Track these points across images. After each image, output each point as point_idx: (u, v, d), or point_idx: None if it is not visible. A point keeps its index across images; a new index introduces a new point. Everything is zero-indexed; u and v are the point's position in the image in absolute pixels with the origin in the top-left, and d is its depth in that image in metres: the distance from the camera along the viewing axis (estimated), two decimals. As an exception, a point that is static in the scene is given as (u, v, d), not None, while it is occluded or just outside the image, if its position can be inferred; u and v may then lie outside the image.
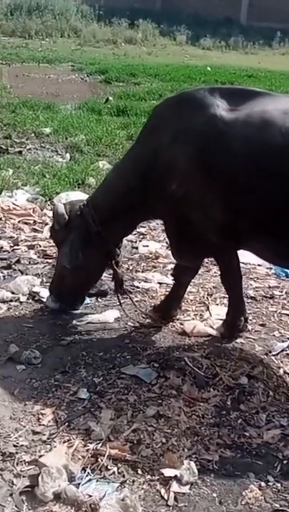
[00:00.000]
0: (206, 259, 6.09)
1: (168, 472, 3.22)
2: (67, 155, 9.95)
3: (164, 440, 3.46)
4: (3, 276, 5.41)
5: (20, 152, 9.95)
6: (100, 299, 5.13)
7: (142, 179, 4.26)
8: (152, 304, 4.97)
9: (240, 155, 3.92)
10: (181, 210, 4.19)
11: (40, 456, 3.26)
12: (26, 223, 7.05)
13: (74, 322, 4.71)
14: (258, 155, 3.89)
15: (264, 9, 32.03)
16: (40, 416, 3.61)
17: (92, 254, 4.51)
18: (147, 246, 6.69)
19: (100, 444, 3.37)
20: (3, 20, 27.23)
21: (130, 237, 7.01)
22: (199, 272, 5.83)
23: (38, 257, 6.02)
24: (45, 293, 5.05)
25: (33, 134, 10.86)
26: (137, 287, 5.41)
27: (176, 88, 16.40)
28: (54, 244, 4.87)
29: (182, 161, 4.04)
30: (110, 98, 14.18)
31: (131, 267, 5.94)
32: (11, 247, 6.21)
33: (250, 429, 3.60)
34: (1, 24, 26.69)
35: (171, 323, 4.79)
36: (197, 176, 4.02)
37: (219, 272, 4.70)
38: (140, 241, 6.93)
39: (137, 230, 7.20)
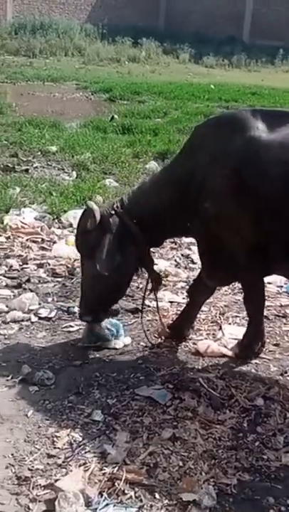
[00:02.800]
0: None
1: (186, 497, 3.15)
2: (74, 173, 9.96)
3: (180, 463, 3.40)
4: (14, 295, 5.37)
5: (27, 170, 9.96)
6: (111, 319, 5.07)
7: (175, 197, 4.25)
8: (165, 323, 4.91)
9: (274, 178, 3.93)
10: (212, 229, 4.19)
11: (56, 480, 3.20)
12: (34, 241, 7.03)
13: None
14: None
15: (266, 27, 32.23)
16: (55, 439, 3.55)
17: (127, 258, 4.40)
18: (156, 264, 6.64)
19: (117, 468, 3.31)
20: (8, 39, 27.41)
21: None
22: (210, 291, 5.84)
23: (48, 275, 5.99)
24: (47, 312, 5.08)
25: (39, 153, 10.88)
26: (148, 306, 5.36)
27: (180, 106, 16.48)
28: (79, 250, 4.60)
29: (218, 181, 4.05)
30: (115, 116, 14.22)
31: (141, 286, 5.89)
32: (20, 265, 6.18)
33: (268, 452, 3.54)
34: (5, 43, 26.84)
35: (184, 342, 4.74)
36: (231, 196, 4.02)
37: (243, 294, 4.66)
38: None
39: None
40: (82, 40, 28.68)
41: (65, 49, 27.56)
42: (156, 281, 4.68)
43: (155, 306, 5.26)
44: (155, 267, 6.20)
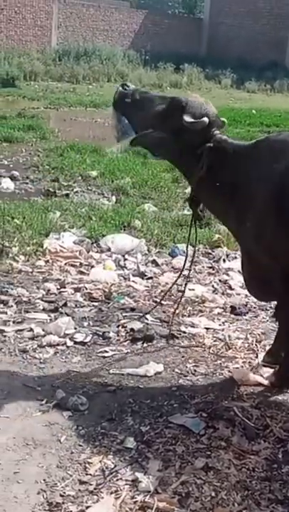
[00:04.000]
0: (252, 304, 6.06)
1: (218, 528, 3.11)
2: (113, 198, 10.03)
3: (213, 494, 3.35)
4: (50, 320, 5.39)
5: (67, 195, 10.07)
6: (145, 344, 5.07)
7: (223, 202, 4.31)
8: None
9: None
10: (251, 248, 4.22)
11: (88, 507, 3.18)
12: (73, 265, 7.08)
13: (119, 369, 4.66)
14: None
15: (309, 53, 32.21)
16: (87, 465, 3.53)
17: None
18: (193, 289, 6.63)
19: (148, 496, 3.28)
20: (52, 65, 27.90)
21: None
22: (247, 318, 5.80)
23: (84, 299, 6.00)
24: (82, 337, 5.09)
25: (80, 177, 11.00)
26: (184, 332, 5.34)
27: (221, 131, 16.44)
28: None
29: (259, 202, 4.04)
30: (156, 141, 14.26)
31: (177, 311, 5.88)
32: (57, 289, 6.22)
33: None
34: (49, 69, 27.31)
35: (219, 370, 4.70)
36: (270, 218, 4.00)
37: (279, 321, 4.62)
38: (186, 284, 6.87)
39: (183, 273, 7.20)
40: (124, 67, 29.07)
41: (108, 75, 27.95)
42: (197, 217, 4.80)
43: (191, 332, 5.27)
44: (192, 292, 6.30)
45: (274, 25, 33.73)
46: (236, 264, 7.26)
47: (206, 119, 4.24)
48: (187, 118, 4.24)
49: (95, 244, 7.75)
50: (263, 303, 5.91)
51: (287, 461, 3.67)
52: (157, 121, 4.41)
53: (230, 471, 3.53)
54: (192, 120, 4.24)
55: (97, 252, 7.61)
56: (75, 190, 10.47)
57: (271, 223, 4.01)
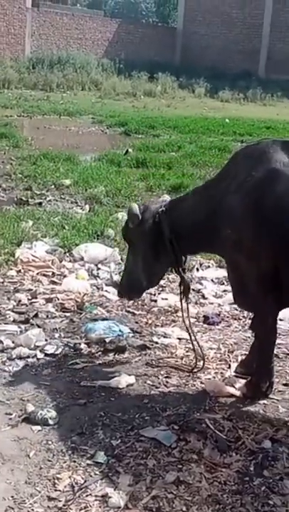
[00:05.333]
0: (225, 313, 6.04)
1: None
2: (87, 206, 9.98)
3: (184, 508, 3.29)
4: (21, 331, 5.32)
5: (40, 203, 10.00)
6: (117, 355, 5.01)
7: (207, 217, 4.39)
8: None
9: None
10: (232, 254, 4.30)
11: (55, 525, 3.12)
12: (45, 275, 7.01)
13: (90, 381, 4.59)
14: None
15: (282, 62, 32.50)
16: (56, 481, 3.45)
17: (162, 257, 4.70)
18: (166, 299, 6.59)
19: (118, 512, 3.22)
20: (26, 73, 27.83)
21: (150, 289, 6.96)
22: (220, 327, 5.76)
23: (56, 310, 5.94)
24: (53, 348, 5.03)
25: (53, 186, 10.94)
26: (156, 343, 5.30)
27: (194, 140, 16.56)
28: (125, 240, 5.19)
29: (239, 209, 4.12)
30: (130, 150, 14.30)
31: (150, 321, 5.84)
32: (28, 299, 6.15)
33: (274, 497, 3.41)
34: (23, 77, 27.24)
35: (191, 381, 4.66)
36: (250, 225, 4.08)
37: (253, 326, 4.60)
38: (159, 293, 6.84)
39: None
40: (98, 75, 29.09)
41: (82, 83, 27.96)
42: (185, 287, 4.87)
43: (163, 343, 5.23)
44: (165, 302, 6.27)
45: (247, 35, 33.99)
46: (209, 273, 7.25)
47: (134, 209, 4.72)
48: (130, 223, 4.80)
49: (67, 254, 7.70)
50: (237, 312, 5.90)
51: (259, 473, 3.62)
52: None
53: (201, 485, 3.47)
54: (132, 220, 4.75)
55: (69, 261, 7.55)
56: (48, 198, 10.41)
57: (249, 227, 4.08)
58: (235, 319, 5.95)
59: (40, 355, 4.91)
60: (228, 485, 3.50)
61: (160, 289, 6.98)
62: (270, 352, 4.50)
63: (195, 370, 4.80)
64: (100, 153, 14.06)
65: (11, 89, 25.99)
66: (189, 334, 4.85)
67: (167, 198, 10.23)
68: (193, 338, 4.84)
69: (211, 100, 28.62)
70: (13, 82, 26.45)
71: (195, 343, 4.82)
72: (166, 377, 4.71)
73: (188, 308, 4.95)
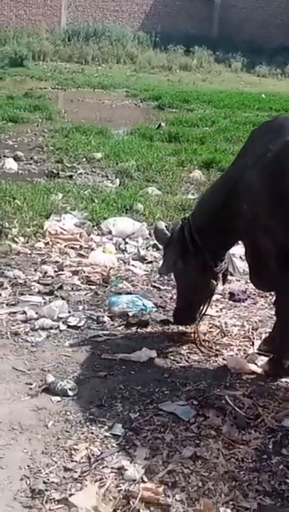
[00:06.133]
0: (252, 290, 5.97)
1: (203, 519, 3.04)
2: (117, 180, 9.93)
3: (200, 484, 3.29)
4: (44, 303, 5.33)
5: (70, 176, 9.99)
6: (139, 329, 4.99)
7: (226, 198, 4.35)
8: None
9: None
10: (250, 232, 4.23)
11: (71, 495, 3.12)
12: (72, 248, 7.01)
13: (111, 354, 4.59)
14: None
15: None
16: (73, 451, 3.47)
17: (191, 266, 4.61)
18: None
19: (133, 485, 3.22)
20: (61, 45, 27.65)
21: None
22: (245, 305, 5.71)
23: (82, 283, 5.94)
24: (76, 320, 5.02)
25: (84, 159, 10.90)
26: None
27: (229, 115, 16.34)
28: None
29: (256, 183, 4.08)
30: (162, 124, 14.17)
31: (174, 296, 5.79)
32: (55, 272, 6.16)
33: None
34: (58, 49, 27.08)
35: (213, 357, 4.63)
36: (266, 199, 4.03)
37: (275, 305, 4.54)
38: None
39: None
40: (134, 48, 28.78)
41: (117, 56, 27.69)
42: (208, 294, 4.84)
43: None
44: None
45: (286, 9, 33.25)
46: (237, 250, 7.17)
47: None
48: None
49: (96, 227, 7.68)
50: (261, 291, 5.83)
51: (277, 451, 3.59)
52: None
53: (218, 461, 3.46)
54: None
55: (97, 234, 7.54)
56: (78, 171, 10.38)
57: (266, 201, 4.02)
58: (262, 297, 5.88)
59: (62, 327, 4.93)
60: (246, 462, 3.48)
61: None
62: None
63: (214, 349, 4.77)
64: (132, 127, 13.95)
65: (46, 61, 25.87)
66: None
67: (198, 173, 10.33)
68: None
69: (248, 75, 28.17)
70: (49, 55, 26.31)
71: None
72: (188, 352, 4.70)
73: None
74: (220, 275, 4.79)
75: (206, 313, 5.33)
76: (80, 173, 10.31)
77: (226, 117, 16.01)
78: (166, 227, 4.83)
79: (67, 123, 13.93)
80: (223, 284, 5.02)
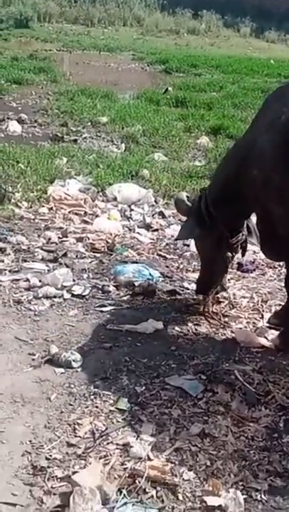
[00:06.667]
0: (260, 261, 5.81)
1: (211, 501, 2.90)
2: (123, 145, 9.74)
3: (208, 463, 3.15)
4: (48, 270, 5.17)
5: (75, 141, 9.80)
6: (146, 299, 4.84)
7: (238, 166, 4.22)
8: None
9: None
10: (261, 199, 4.08)
11: (74, 473, 2.99)
12: (77, 214, 6.86)
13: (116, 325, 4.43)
14: None
15: None
16: (77, 426, 3.33)
17: (207, 235, 4.52)
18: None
19: (139, 463, 3.08)
20: (67, 7, 27.26)
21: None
22: (254, 275, 5.56)
23: (86, 250, 5.79)
24: (81, 289, 4.86)
25: (89, 123, 10.71)
26: (187, 288, 5.11)
27: (237, 80, 16.07)
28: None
29: (269, 148, 3.94)
30: (169, 89, 13.93)
31: (181, 266, 5.66)
32: (59, 238, 6.01)
33: None
34: (64, 11, 26.69)
35: (221, 330, 4.49)
36: (279, 163, 3.87)
37: (285, 275, 4.38)
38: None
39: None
40: (141, 11, 28.35)
41: (124, 19, 27.29)
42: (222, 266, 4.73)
43: (194, 289, 5.04)
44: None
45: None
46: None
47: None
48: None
49: (100, 193, 7.52)
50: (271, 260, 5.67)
51: (288, 430, 3.45)
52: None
53: (227, 439, 3.32)
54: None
55: (102, 201, 7.38)
56: (83, 136, 10.19)
57: (277, 166, 3.88)
58: (270, 267, 5.73)
59: (67, 296, 4.78)
60: (256, 440, 3.35)
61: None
62: None
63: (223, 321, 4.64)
64: (138, 91, 13.69)
65: (51, 22, 25.49)
66: None
67: (206, 140, 10.12)
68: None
69: (257, 40, 27.75)
70: (54, 16, 25.92)
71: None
72: (195, 324, 4.55)
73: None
74: (238, 247, 4.63)
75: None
76: (85, 138, 10.13)
77: (234, 83, 15.75)
78: (187, 197, 4.70)
79: (73, 86, 13.68)
80: (243, 255, 4.86)
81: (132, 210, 7.23)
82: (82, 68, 16.89)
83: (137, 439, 3.26)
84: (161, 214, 7.21)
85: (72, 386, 3.68)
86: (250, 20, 29.10)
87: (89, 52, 19.86)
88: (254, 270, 5.69)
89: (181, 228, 4.87)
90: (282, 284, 5.14)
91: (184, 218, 4.91)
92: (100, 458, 3.12)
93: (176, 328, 4.46)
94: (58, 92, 12.86)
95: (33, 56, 16.77)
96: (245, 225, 4.61)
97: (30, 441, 3.22)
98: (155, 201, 7.57)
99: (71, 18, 26.47)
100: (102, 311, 4.59)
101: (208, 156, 9.59)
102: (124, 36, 24.03)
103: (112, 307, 4.66)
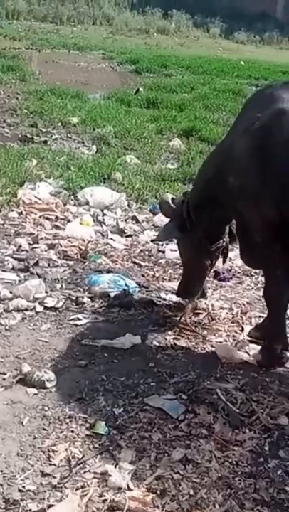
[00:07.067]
0: (237, 268, 5.66)
1: (196, 534, 2.73)
2: (94, 147, 9.55)
3: (192, 492, 2.97)
4: (19, 281, 4.95)
5: (45, 142, 9.58)
6: (122, 312, 4.65)
7: (216, 171, 4.16)
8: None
9: None
10: (238, 205, 3.99)
11: (49, 507, 2.78)
12: (48, 219, 6.65)
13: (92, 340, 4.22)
14: None
15: (301, 4, 31.41)
16: (51, 453, 3.12)
17: (188, 239, 4.48)
18: (175, 250, 6.22)
19: (119, 494, 2.88)
20: (36, 4, 26.97)
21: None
22: (231, 284, 5.40)
23: (59, 257, 5.59)
24: (54, 301, 4.65)
25: (59, 124, 10.48)
26: (164, 299, 4.93)
27: (208, 81, 15.97)
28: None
29: (243, 153, 3.88)
30: (141, 89, 13.76)
31: (157, 274, 5.48)
32: (30, 245, 5.80)
33: None
34: (33, 9, 26.39)
35: (201, 344, 4.31)
36: (254, 167, 3.79)
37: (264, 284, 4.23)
38: (167, 244, 6.46)
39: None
40: (111, 9, 28.19)
41: (93, 17, 27.09)
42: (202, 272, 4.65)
43: (172, 299, 4.88)
44: (174, 254, 5.90)
45: (267, -26, 32.73)
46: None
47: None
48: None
49: (72, 197, 7.32)
50: (247, 268, 5.50)
51: (274, 454, 3.27)
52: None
53: (211, 465, 3.14)
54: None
55: (74, 205, 7.19)
56: (53, 137, 9.97)
57: (253, 171, 3.81)
58: (248, 275, 5.59)
59: (39, 308, 4.56)
60: (241, 466, 3.17)
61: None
62: (281, 310, 4.14)
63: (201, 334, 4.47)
64: (109, 91, 13.49)
65: (20, 20, 25.11)
66: None
67: (178, 142, 9.96)
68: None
69: (226, 41, 27.70)
70: (23, 13, 25.57)
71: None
72: (174, 338, 4.37)
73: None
74: (218, 254, 4.51)
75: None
76: (55, 139, 9.92)
77: (204, 84, 15.63)
78: (172, 199, 4.58)
79: (42, 85, 13.43)
80: (223, 262, 4.77)
81: (104, 214, 7.04)
82: (52, 67, 16.60)
83: (115, 467, 3.05)
84: (135, 219, 7.03)
85: (46, 408, 3.46)
86: (220, 21, 29.07)
87: (58, 50, 19.57)
88: (231, 278, 5.53)
89: (162, 230, 4.81)
90: (261, 294, 5.00)
91: (167, 220, 4.79)
92: (77, 489, 2.91)
93: (154, 342, 4.27)
94: (27, 92, 12.59)
95: (1, 54, 16.44)
96: (228, 231, 4.47)
97: (1, 471, 3.00)
98: (128, 205, 7.39)
99: (40, 15, 26.15)
100: (76, 325, 4.39)
101: (180, 158, 9.44)
102: (93, 35, 23.78)
103: (87, 320, 4.46)
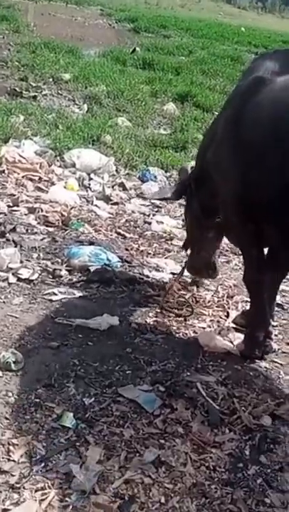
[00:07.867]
0: (224, 245, 5.35)
1: None
2: (85, 106, 9.20)
3: (163, 499, 2.68)
4: (-6, 247, 4.62)
5: (34, 97, 9.22)
6: (101, 288, 4.34)
7: (206, 145, 3.98)
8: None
9: (266, 122, 3.32)
10: (216, 179, 3.78)
11: (5, 511, 2.50)
12: (31, 179, 6.35)
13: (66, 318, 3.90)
14: (279, 124, 3.25)
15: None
16: (11, 447, 2.81)
17: (188, 211, 4.41)
18: (162, 222, 5.93)
19: (82, 500, 2.60)
20: None
21: (144, 209, 6.27)
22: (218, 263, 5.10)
23: (38, 223, 5.28)
24: (29, 273, 4.32)
25: (51, 79, 10.10)
26: (147, 276, 4.64)
27: (207, 46, 15.57)
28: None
29: (220, 126, 3.67)
30: (137, 49, 13.34)
31: (141, 248, 5.18)
32: (9, 207, 5.49)
33: (272, 494, 2.78)
34: None
35: (183, 330, 4.02)
36: (227, 142, 3.55)
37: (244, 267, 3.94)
38: (154, 215, 6.17)
39: (152, 201, 6.47)
40: None
41: None
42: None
43: (155, 277, 4.60)
44: (160, 226, 5.65)
45: None
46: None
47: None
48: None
49: (58, 158, 7.00)
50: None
51: (255, 459, 2.98)
52: None
53: (186, 470, 2.84)
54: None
55: (59, 166, 6.88)
56: (44, 92, 9.59)
57: (226, 143, 3.58)
58: (236, 254, 5.29)
59: (12, 280, 4.24)
60: (218, 472, 2.88)
61: (156, 209, 6.32)
62: (261, 295, 3.85)
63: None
64: (105, 48, 13.05)
65: None
66: None
67: (172, 107, 9.60)
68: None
69: (228, 6, 27.11)
70: None
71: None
72: (154, 321, 4.06)
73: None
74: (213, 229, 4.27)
75: (175, 272, 4.76)
76: (45, 95, 9.56)
77: (203, 48, 15.23)
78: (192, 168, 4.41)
79: (36, 38, 12.97)
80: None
81: (90, 179, 6.74)
82: (48, 20, 16.08)
83: (81, 467, 2.76)
84: (122, 186, 6.72)
85: (10, 395, 3.13)
86: (224, -16, 28.40)
87: (55, 3, 19.00)
88: (218, 257, 5.23)
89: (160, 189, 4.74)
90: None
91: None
92: (37, 490, 2.61)
93: (134, 324, 3.96)
94: (19, 44, 12.12)
95: (-4, 3, 15.91)
96: None
97: None
98: (116, 171, 7.08)
99: None
100: (51, 300, 4.07)
101: (173, 124, 9.11)
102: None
103: (63, 296, 4.14)
